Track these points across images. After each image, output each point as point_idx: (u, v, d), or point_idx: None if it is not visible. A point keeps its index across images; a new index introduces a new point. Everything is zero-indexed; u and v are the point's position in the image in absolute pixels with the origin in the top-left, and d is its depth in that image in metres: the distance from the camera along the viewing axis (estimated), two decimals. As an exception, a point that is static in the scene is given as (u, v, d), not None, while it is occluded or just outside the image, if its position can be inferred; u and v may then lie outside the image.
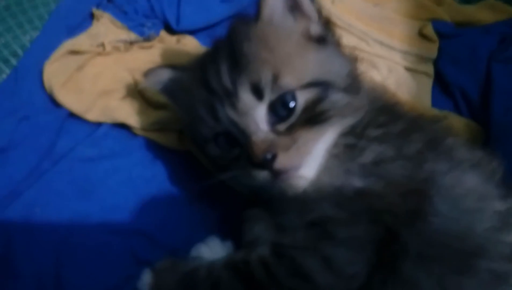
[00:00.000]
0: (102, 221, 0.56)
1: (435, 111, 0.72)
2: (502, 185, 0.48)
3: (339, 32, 0.71)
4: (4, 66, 0.66)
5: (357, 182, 0.46)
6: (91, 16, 0.72)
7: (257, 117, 0.46)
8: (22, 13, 0.68)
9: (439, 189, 0.46)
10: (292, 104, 0.46)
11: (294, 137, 0.46)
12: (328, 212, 0.46)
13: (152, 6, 0.71)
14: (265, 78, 0.46)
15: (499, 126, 0.68)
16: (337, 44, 0.55)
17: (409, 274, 0.43)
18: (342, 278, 0.44)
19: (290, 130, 0.46)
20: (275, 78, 0.46)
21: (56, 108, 0.63)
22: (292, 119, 0.47)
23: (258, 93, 0.46)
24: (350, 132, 0.49)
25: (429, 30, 0.78)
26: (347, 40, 0.74)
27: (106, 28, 0.68)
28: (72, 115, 0.63)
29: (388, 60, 0.76)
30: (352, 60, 0.56)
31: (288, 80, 0.46)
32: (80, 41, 0.66)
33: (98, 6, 0.71)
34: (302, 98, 0.47)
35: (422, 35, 0.79)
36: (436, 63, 0.78)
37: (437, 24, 0.79)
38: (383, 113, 0.52)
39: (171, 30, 0.74)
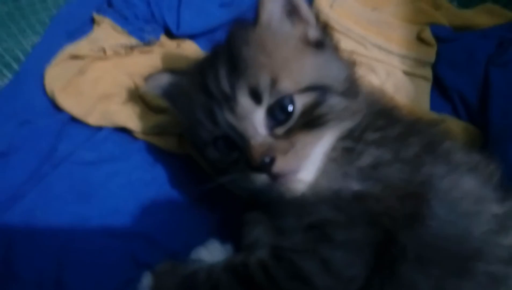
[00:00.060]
0: (102, 225, 0.56)
1: (434, 115, 0.72)
2: (499, 188, 0.49)
3: (337, 36, 0.72)
4: (5, 70, 0.67)
5: (355, 186, 0.47)
6: (92, 21, 0.72)
7: (256, 121, 0.47)
8: (23, 18, 0.69)
9: (437, 192, 0.46)
10: (290, 108, 0.47)
11: (292, 141, 0.46)
12: (327, 215, 0.46)
13: (152, 11, 0.72)
14: (263, 82, 0.46)
15: (497, 129, 0.69)
16: (335, 49, 0.55)
17: (407, 277, 0.43)
18: (340, 280, 0.44)
19: (288, 134, 0.47)
20: (273, 82, 0.46)
21: (56, 112, 0.63)
22: (290, 123, 0.47)
23: (256, 97, 0.47)
24: (348, 135, 0.49)
25: (427, 34, 0.78)
26: (346, 44, 0.75)
27: (107, 33, 0.69)
28: (72, 119, 0.64)
29: (386, 64, 0.76)
30: (350, 64, 0.56)
31: (286, 84, 0.47)
32: (81, 45, 0.66)
33: (98, 11, 0.72)
34: (300, 102, 0.47)
35: (420, 39, 0.79)
36: (434, 67, 0.78)
37: (435, 28, 0.79)
38: (381, 117, 0.52)
39: (171, 35, 0.75)
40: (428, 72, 0.78)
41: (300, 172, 0.47)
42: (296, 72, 0.48)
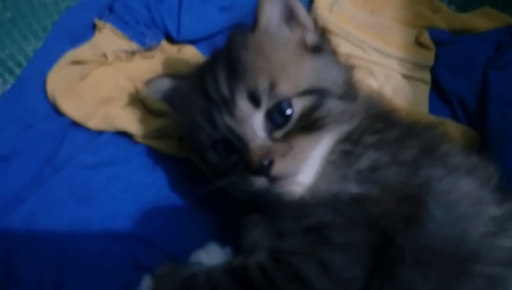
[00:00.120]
0: (103, 228, 0.56)
1: (432, 118, 0.73)
2: (497, 191, 0.49)
3: (336, 40, 0.73)
4: (8, 76, 0.68)
5: (354, 188, 0.47)
6: (93, 27, 0.73)
7: (254, 124, 0.47)
8: (25, 24, 0.70)
9: (435, 194, 0.46)
10: (288, 112, 0.47)
11: (291, 144, 0.46)
12: (325, 217, 0.46)
13: (153, 16, 0.72)
14: (262, 86, 0.47)
15: (496, 132, 0.69)
16: (333, 53, 0.56)
17: (405, 279, 0.44)
18: (339, 282, 0.44)
19: (287, 137, 0.47)
20: (272, 86, 0.47)
21: (58, 116, 0.64)
22: (289, 126, 0.47)
23: (255, 101, 0.47)
24: (346, 138, 0.50)
25: (426, 38, 0.79)
26: (345, 47, 0.76)
27: (108, 39, 0.69)
28: (73, 123, 0.64)
29: (385, 67, 0.77)
30: (348, 68, 0.57)
31: (285, 88, 0.47)
32: (83, 51, 0.67)
33: (100, 17, 0.73)
34: (298, 106, 0.48)
35: (418, 42, 0.80)
36: (432, 70, 0.79)
37: (434, 32, 0.80)
38: (379, 120, 0.53)
39: (171, 40, 0.76)
40: (427, 75, 0.78)
41: (298, 175, 0.47)
42: (294, 76, 0.49)
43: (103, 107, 0.65)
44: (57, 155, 0.61)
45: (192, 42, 0.76)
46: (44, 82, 0.64)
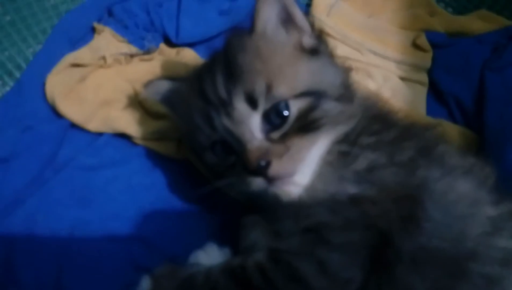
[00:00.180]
0: (102, 229, 0.57)
1: (430, 119, 0.73)
2: (494, 191, 0.49)
3: (334, 43, 0.73)
4: (8, 78, 0.68)
5: (351, 189, 0.47)
6: (93, 30, 0.73)
7: (252, 125, 0.48)
8: (26, 28, 0.70)
9: (432, 195, 0.46)
10: (285, 113, 0.48)
11: (288, 144, 0.47)
12: (323, 218, 0.46)
13: (152, 20, 0.73)
14: (259, 88, 0.47)
15: (493, 133, 0.69)
16: (330, 55, 0.56)
17: (403, 278, 0.44)
18: (337, 282, 0.44)
19: (284, 138, 0.47)
20: (269, 88, 0.47)
21: (58, 118, 0.64)
22: (286, 127, 0.48)
23: (252, 102, 0.48)
24: (344, 139, 0.50)
25: (423, 40, 0.80)
26: (342, 50, 0.76)
27: (107, 42, 0.70)
28: (73, 126, 0.65)
29: (383, 69, 0.77)
30: (346, 70, 0.57)
31: (281, 90, 0.48)
32: (82, 54, 0.67)
33: (99, 20, 0.73)
34: (295, 107, 0.48)
35: (416, 45, 0.80)
36: (430, 72, 0.79)
37: (430, 35, 0.81)
38: (376, 121, 0.53)
39: (170, 43, 0.76)
40: (424, 77, 0.79)
41: (295, 176, 0.48)
42: (291, 78, 0.49)
43: (103, 110, 0.65)
44: (57, 157, 0.62)
45: (191, 45, 0.76)
46: (43, 85, 0.65)
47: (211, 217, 0.60)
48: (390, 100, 0.69)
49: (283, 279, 0.44)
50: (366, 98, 0.58)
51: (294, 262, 0.44)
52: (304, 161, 0.48)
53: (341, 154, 0.49)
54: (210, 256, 0.52)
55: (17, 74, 0.69)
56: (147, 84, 0.60)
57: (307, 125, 0.48)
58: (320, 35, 0.55)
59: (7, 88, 0.67)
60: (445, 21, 0.83)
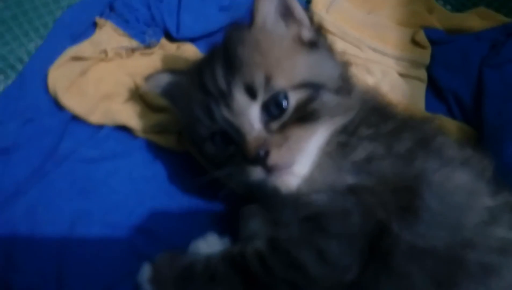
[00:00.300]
0: (103, 219, 0.57)
1: (428, 115, 0.73)
2: (492, 182, 0.49)
3: (333, 39, 0.74)
4: (10, 71, 0.69)
5: (350, 179, 0.48)
6: (94, 25, 0.74)
7: (251, 116, 0.48)
8: (28, 22, 0.71)
9: (429, 185, 0.47)
10: (284, 104, 0.48)
11: (287, 135, 0.48)
12: (321, 207, 0.47)
13: (152, 15, 0.73)
14: (258, 79, 0.48)
15: (492, 129, 0.70)
16: (329, 49, 0.57)
17: (401, 266, 0.44)
18: (335, 270, 0.45)
19: (283, 128, 0.48)
20: (268, 79, 0.48)
21: (59, 111, 0.65)
22: (284, 117, 0.48)
23: (251, 93, 0.48)
24: (343, 131, 0.51)
25: (421, 37, 0.80)
26: (342, 46, 0.77)
27: (109, 36, 0.71)
28: (75, 118, 0.65)
29: (382, 65, 0.78)
30: (344, 63, 0.58)
31: (280, 81, 0.48)
32: (84, 48, 0.68)
33: (101, 15, 0.74)
34: (294, 98, 0.49)
35: (414, 41, 0.81)
36: (429, 68, 0.80)
37: (429, 31, 0.81)
38: (375, 113, 0.54)
39: (171, 38, 0.76)
40: (423, 74, 0.79)
41: (294, 166, 0.48)
42: (289, 70, 0.50)
43: (104, 103, 0.66)
44: (58, 149, 0.62)
45: (191, 40, 0.77)
46: (45, 78, 0.65)
47: (211, 208, 0.61)
48: (389, 96, 0.70)
49: (281, 266, 0.45)
50: (365, 91, 0.58)
51: (293, 250, 0.45)
52: (303, 151, 0.49)
53: (340, 145, 0.50)
54: (210, 245, 0.53)
55: (19, 68, 0.70)
56: (148, 77, 0.60)
57: (305, 116, 0.49)
58: (319, 29, 0.56)
59: (9, 81, 0.68)
60: (444, 18, 0.84)
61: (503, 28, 0.80)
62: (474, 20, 0.83)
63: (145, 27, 0.73)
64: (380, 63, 0.79)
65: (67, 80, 0.64)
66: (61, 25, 0.71)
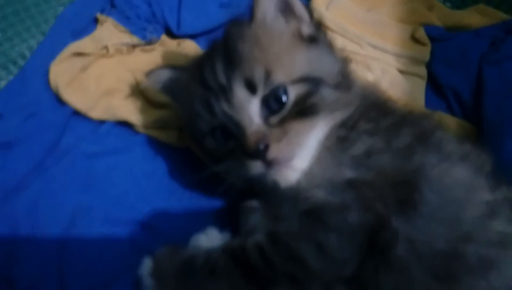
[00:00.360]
0: (104, 213, 0.57)
1: (428, 111, 0.74)
2: (491, 177, 0.50)
3: (333, 35, 0.74)
4: (12, 66, 0.69)
5: (349, 173, 0.48)
6: (95, 21, 0.75)
7: (251, 110, 0.49)
8: (29, 18, 0.72)
9: (428, 180, 0.47)
10: (284, 98, 0.49)
11: (286, 129, 0.48)
12: (321, 200, 0.47)
13: (153, 11, 0.74)
14: (258, 74, 0.48)
15: (491, 125, 0.70)
16: (329, 44, 0.57)
17: (400, 260, 0.44)
18: (334, 263, 0.45)
19: (282, 122, 0.48)
20: (268, 74, 0.48)
21: (61, 106, 0.65)
22: (284, 112, 0.49)
23: (251, 88, 0.49)
24: (342, 125, 0.51)
25: (421, 34, 0.80)
26: (342, 43, 0.77)
27: (110, 32, 0.71)
28: (76, 113, 0.66)
29: (382, 62, 0.78)
30: (344, 59, 0.58)
31: (280, 76, 0.49)
32: (85, 44, 0.68)
33: (102, 11, 0.74)
34: (293, 93, 0.49)
35: (414, 38, 0.81)
36: (428, 65, 0.80)
37: (429, 29, 0.81)
38: (374, 108, 0.54)
39: (172, 34, 0.77)
40: (423, 71, 0.79)
41: (294, 160, 0.49)
42: (289, 65, 0.50)
43: (105, 98, 0.66)
44: (60, 143, 0.62)
45: (192, 37, 0.77)
46: (46, 73, 0.66)
47: (212, 203, 0.61)
48: (389, 92, 0.70)
49: (281, 259, 0.45)
50: (365, 87, 0.59)
51: (292, 243, 0.45)
52: (302, 145, 0.49)
53: (339, 139, 0.50)
54: (210, 239, 0.53)
55: (21, 63, 0.70)
56: (149, 73, 0.61)
57: (305, 110, 0.49)
58: (318, 24, 0.56)
59: (11, 77, 0.69)
60: (443, 15, 0.84)
61: (502, 25, 0.80)
62: (474, 17, 0.83)
63: (146, 24, 0.73)
64: (380, 60, 0.79)
65: (69, 76, 0.65)
66: (63, 21, 0.72)
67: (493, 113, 0.71)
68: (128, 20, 0.72)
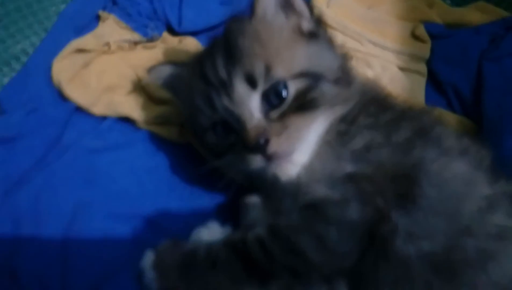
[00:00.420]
0: (106, 208, 0.58)
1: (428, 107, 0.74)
2: (490, 172, 0.50)
3: (334, 33, 0.74)
4: (15, 63, 0.70)
5: (349, 167, 0.48)
6: (97, 18, 0.75)
7: (251, 105, 0.49)
8: (32, 14, 0.73)
9: (427, 174, 0.47)
10: (284, 93, 0.49)
11: (286, 123, 0.48)
12: (321, 194, 0.48)
13: (155, 8, 0.74)
14: (258, 69, 0.49)
15: (491, 122, 0.70)
16: (329, 40, 0.58)
17: (399, 253, 0.45)
18: (334, 256, 0.45)
19: (282, 117, 0.49)
20: (268, 69, 0.49)
21: (63, 102, 0.66)
22: (284, 107, 0.49)
23: (251, 83, 0.49)
24: (342, 120, 0.51)
25: (421, 31, 0.80)
26: (342, 41, 0.77)
27: (111, 29, 0.72)
28: (78, 109, 0.66)
29: (382, 59, 0.79)
30: (344, 55, 0.58)
31: (280, 71, 0.49)
32: (87, 40, 0.69)
33: (104, 8, 0.75)
34: (293, 87, 0.50)
35: (414, 36, 0.81)
36: (429, 62, 0.80)
37: (429, 26, 0.82)
38: (374, 104, 0.54)
39: (173, 32, 0.77)
40: (423, 68, 0.79)
41: (294, 154, 0.49)
42: (289, 60, 0.51)
43: (107, 94, 0.67)
44: (62, 139, 0.63)
45: (193, 34, 0.78)
46: (49, 69, 0.66)
47: (213, 198, 0.61)
48: (389, 89, 0.70)
49: (281, 252, 0.45)
50: (365, 83, 0.59)
51: (293, 236, 0.46)
52: (302, 140, 0.49)
53: (339, 134, 0.50)
54: (211, 233, 0.54)
55: (24, 59, 0.71)
56: (150, 69, 0.61)
57: (304, 105, 0.49)
58: (318, 20, 0.57)
59: (14, 73, 0.69)
60: (444, 12, 0.84)
61: (502, 22, 0.81)
62: (474, 15, 0.83)
63: (147, 21, 0.74)
64: (380, 57, 0.79)
65: (71, 72, 0.65)
66: (65, 18, 0.72)
67: (493, 110, 0.71)
68: (129, 17, 0.73)
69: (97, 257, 0.54)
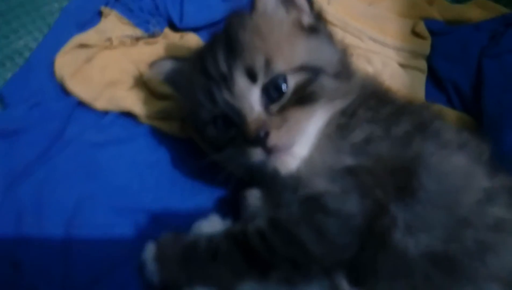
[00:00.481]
0: (108, 202, 0.58)
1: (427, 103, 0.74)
2: (489, 165, 0.50)
3: (334, 30, 0.75)
4: (18, 58, 0.70)
5: (348, 160, 0.49)
6: (99, 14, 0.76)
7: (251, 98, 0.50)
8: (35, 10, 0.73)
9: (427, 167, 0.48)
10: (283, 87, 0.50)
11: (286, 117, 0.49)
12: (321, 186, 0.48)
13: (156, 4, 0.75)
14: (259, 62, 0.49)
15: (491, 118, 0.70)
16: (329, 35, 0.58)
17: (398, 245, 0.45)
18: (334, 248, 0.46)
19: (282, 110, 0.49)
20: (268, 63, 0.49)
21: (65, 96, 0.66)
22: (284, 100, 0.50)
23: (252, 76, 0.49)
24: (342, 113, 0.52)
25: (421, 28, 0.81)
26: (343, 37, 0.78)
27: (114, 24, 0.72)
28: (80, 103, 0.67)
29: (382, 56, 0.79)
30: (344, 50, 0.59)
31: (280, 64, 0.50)
32: (89, 35, 0.69)
33: (106, 4, 0.75)
34: (293, 81, 0.50)
35: (414, 32, 0.82)
36: (429, 59, 0.80)
37: (429, 22, 0.82)
38: (374, 98, 0.55)
39: (174, 27, 0.78)
40: (423, 64, 0.80)
41: (294, 147, 0.49)
42: (289, 54, 0.51)
43: (109, 89, 0.67)
44: (64, 133, 0.63)
45: (194, 30, 0.78)
46: (51, 64, 0.67)
47: (214, 192, 0.62)
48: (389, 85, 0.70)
49: (282, 244, 0.46)
50: (364, 77, 0.60)
51: (293, 227, 0.46)
52: (302, 133, 0.50)
53: (339, 127, 0.51)
54: (212, 225, 0.54)
55: (27, 54, 0.71)
56: (152, 64, 0.62)
57: (304, 98, 0.50)
58: (319, 15, 0.57)
59: (17, 68, 0.70)
60: (443, 9, 0.85)
61: (502, 19, 0.81)
62: (474, 11, 0.84)
63: (149, 17, 0.74)
64: (381, 53, 0.80)
65: (73, 67, 0.66)
66: (67, 13, 0.73)
67: (493, 106, 0.71)
68: (131, 13, 0.73)
69: (98, 250, 0.54)
